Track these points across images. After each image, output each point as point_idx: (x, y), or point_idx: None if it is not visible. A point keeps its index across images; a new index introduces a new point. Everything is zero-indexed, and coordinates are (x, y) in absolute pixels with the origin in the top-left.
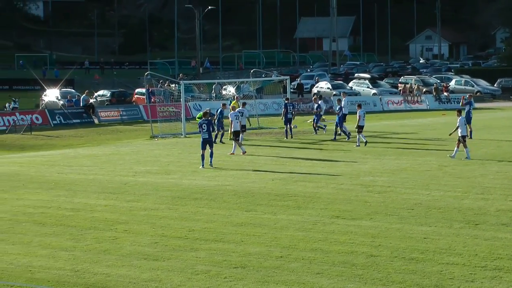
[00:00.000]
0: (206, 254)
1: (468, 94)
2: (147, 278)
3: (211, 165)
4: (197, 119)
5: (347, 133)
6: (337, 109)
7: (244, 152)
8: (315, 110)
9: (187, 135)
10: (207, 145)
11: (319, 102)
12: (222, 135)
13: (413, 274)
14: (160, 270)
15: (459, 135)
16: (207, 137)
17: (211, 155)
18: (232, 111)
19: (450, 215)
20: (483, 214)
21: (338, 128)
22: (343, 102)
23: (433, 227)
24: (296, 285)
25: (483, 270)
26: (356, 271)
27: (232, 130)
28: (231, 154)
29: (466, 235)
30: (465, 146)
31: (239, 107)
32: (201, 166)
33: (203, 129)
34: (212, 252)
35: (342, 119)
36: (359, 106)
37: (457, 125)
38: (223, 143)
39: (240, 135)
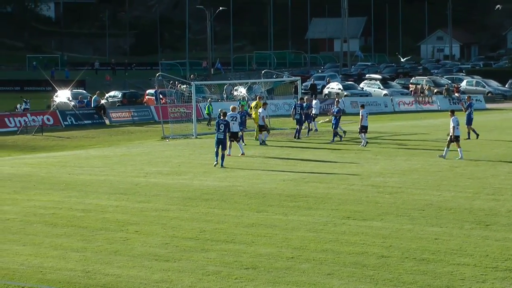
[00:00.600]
0: (217, 255)
1: (467, 95)
2: (158, 279)
3: (222, 166)
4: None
5: (340, 134)
6: (336, 110)
7: (242, 154)
8: (335, 114)
9: (198, 136)
10: (220, 145)
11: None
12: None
13: (424, 275)
14: (171, 271)
15: (452, 135)
16: (222, 137)
17: (222, 157)
18: (231, 112)
19: (461, 216)
20: (494, 215)
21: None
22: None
23: (444, 228)
24: (307, 285)
25: (494, 270)
26: (367, 271)
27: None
28: (228, 155)
29: (477, 236)
30: (458, 146)
31: (261, 106)
32: (215, 162)
33: (220, 129)
34: (223, 253)
35: (339, 120)
36: (362, 106)
37: (452, 125)
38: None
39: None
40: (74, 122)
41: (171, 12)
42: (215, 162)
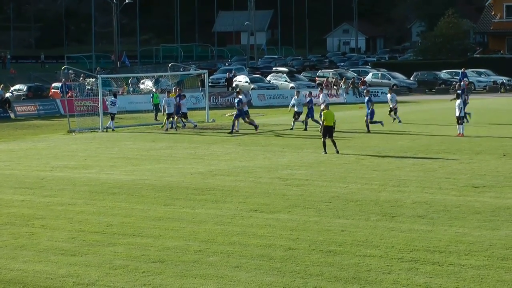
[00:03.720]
0: (124, 248)
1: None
2: (64, 273)
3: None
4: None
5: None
6: (307, 101)
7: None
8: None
9: (104, 129)
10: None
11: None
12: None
13: (330, 267)
14: (78, 266)
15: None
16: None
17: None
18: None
19: (367, 207)
20: (400, 206)
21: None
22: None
23: (350, 220)
24: (215, 278)
25: (400, 262)
26: (274, 264)
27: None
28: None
29: (383, 228)
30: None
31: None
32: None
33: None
34: (130, 246)
35: (313, 110)
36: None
37: (461, 107)
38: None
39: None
40: None
41: (76, 5)
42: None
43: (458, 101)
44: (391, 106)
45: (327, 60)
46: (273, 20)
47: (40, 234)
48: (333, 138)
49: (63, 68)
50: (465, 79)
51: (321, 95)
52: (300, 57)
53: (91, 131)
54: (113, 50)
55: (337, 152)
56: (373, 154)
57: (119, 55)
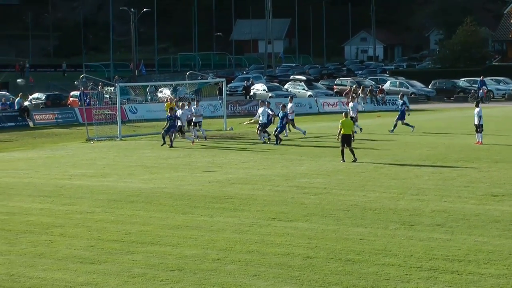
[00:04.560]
0: (142, 257)
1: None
2: (83, 281)
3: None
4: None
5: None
6: (279, 115)
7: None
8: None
9: (122, 138)
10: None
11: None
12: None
13: (349, 275)
14: (96, 274)
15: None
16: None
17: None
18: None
19: (385, 216)
20: (418, 215)
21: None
22: (288, 106)
23: (368, 228)
24: (233, 287)
25: (419, 270)
26: (292, 272)
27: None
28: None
29: (402, 236)
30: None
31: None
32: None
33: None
34: (148, 255)
35: (286, 123)
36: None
37: (480, 115)
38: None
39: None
40: None
41: (95, 14)
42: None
43: (477, 109)
44: (352, 115)
45: (345, 68)
46: (291, 29)
47: (59, 242)
48: (352, 147)
49: (81, 76)
50: (483, 87)
51: (350, 104)
52: (317, 65)
53: (109, 140)
54: (131, 59)
55: (355, 160)
56: (391, 163)
57: (137, 63)
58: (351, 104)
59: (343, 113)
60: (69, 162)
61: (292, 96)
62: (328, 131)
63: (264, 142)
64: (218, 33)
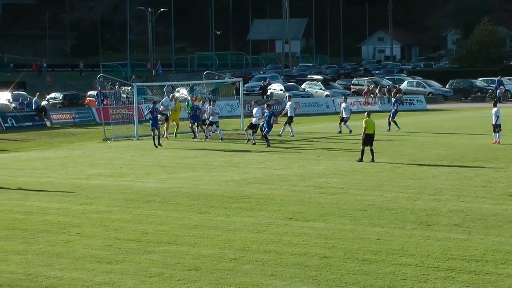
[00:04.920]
0: (159, 256)
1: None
2: (100, 281)
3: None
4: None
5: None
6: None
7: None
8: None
9: (139, 138)
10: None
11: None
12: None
13: (366, 275)
14: (113, 273)
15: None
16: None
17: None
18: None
19: (402, 216)
20: (436, 215)
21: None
22: (288, 105)
23: (386, 228)
24: (250, 287)
25: (436, 270)
26: (309, 272)
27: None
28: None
29: (419, 236)
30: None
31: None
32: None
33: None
34: (165, 254)
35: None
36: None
37: (497, 115)
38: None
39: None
40: (15, 124)
41: (112, 13)
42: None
43: (495, 109)
44: (344, 116)
45: (362, 68)
46: (308, 28)
47: (76, 242)
48: (372, 147)
49: (98, 76)
50: (501, 87)
51: (343, 105)
52: (334, 65)
53: (126, 139)
54: (148, 59)
55: (373, 160)
56: (408, 163)
57: (154, 63)
58: (343, 104)
59: (366, 113)
60: (86, 161)
61: (290, 96)
62: (344, 131)
63: (249, 140)
64: (218, 32)
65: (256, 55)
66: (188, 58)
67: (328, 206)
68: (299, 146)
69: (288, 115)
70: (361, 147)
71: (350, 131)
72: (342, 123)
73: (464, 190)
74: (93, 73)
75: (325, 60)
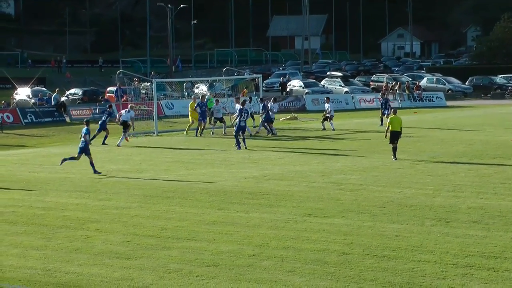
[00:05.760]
0: (178, 252)
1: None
2: (119, 276)
3: (246, 147)
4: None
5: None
6: (261, 109)
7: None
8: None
9: (159, 134)
10: (241, 131)
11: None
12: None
13: (385, 272)
14: (132, 269)
15: None
16: (244, 124)
17: (244, 140)
18: None
19: (421, 212)
20: (454, 211)
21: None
22: (326, 106)
23: (404, 225)
24: (268, 283)
25: (455, 267)
26: (328, 268)
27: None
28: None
29: (438, 233)
30: None
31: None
32: (237, 147)
33: (243, 117)
34: (184, 250)
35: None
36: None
37: None
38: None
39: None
40: (34, 120)
41: (132, 9)
42: (238, 147)
43: None
44: (328, 114)
45: (381, 64)
46: (328, 25)
47: (95, 238)
48: (396, 144)
49: (118, 72)
50: None
51: (326, 105)
52: (354, 62)
53: (146, 135)
54: (167, 55)
55: (395, 158)
56: (427, 159)
57: (173, 59)
58: (327, 105)
59: (392, 110)
60: (105, 157)
61: (276, 98)
62: (364, 127)
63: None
64: (194, 21)
65: (275, 52)
66: (208, 54)
67: (347, 203)
68: (318, 142)
69: (329, 115)
70: (392, 146)
71: (333, 129)
72: (326, 121)
73: (483, 187)
74: (112, 69)
75: (345, 56)
